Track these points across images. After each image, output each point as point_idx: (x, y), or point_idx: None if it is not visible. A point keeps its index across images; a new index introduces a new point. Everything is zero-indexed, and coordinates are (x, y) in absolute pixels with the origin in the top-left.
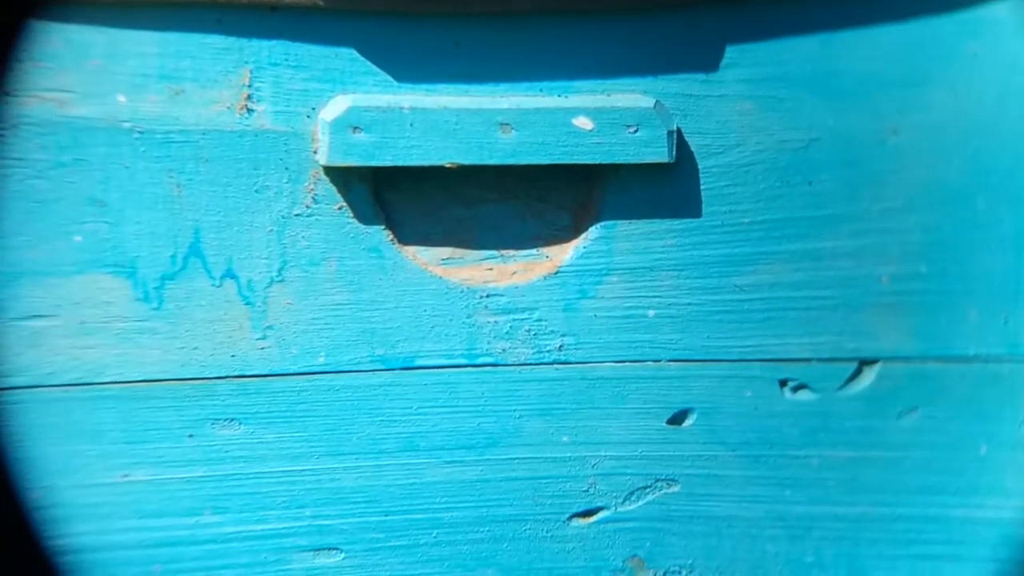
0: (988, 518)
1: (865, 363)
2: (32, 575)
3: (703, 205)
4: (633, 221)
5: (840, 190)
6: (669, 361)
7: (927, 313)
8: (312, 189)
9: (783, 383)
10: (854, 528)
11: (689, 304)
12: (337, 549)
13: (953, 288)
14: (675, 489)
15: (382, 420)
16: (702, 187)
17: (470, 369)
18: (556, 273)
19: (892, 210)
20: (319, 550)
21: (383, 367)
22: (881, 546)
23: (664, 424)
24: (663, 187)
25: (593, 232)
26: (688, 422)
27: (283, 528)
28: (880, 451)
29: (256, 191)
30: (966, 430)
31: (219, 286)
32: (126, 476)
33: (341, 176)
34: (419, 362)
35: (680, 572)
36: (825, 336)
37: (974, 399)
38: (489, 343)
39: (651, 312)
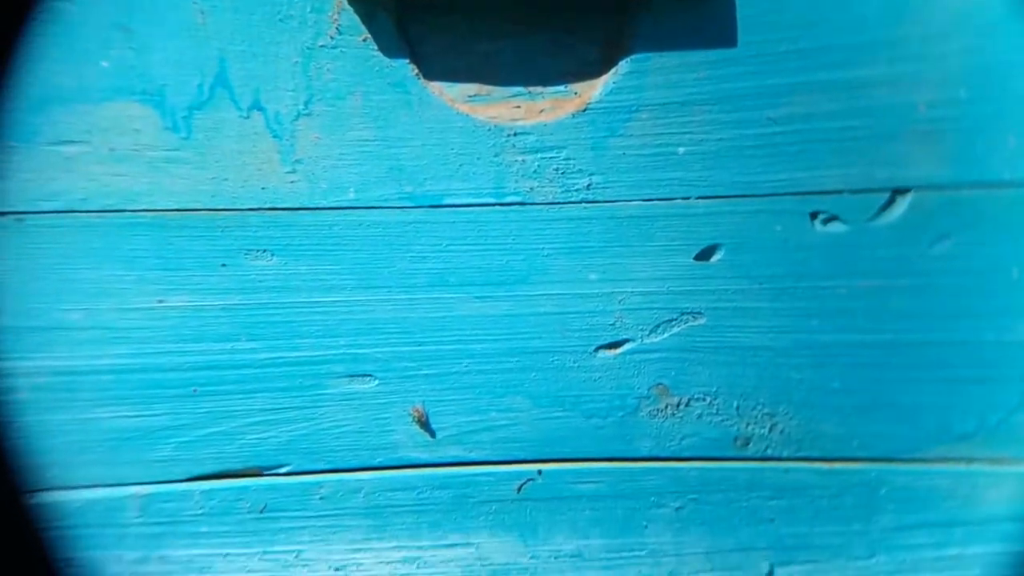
0: (1019, 340)
1: (898, 192)
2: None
3: (738, 34)
4: (665, 54)
5: (879, 14)
6: (698, 198)
7: (963, 139)
8: (336, 19)
9: (814, 215)
10: (882, 355)
11: (720, 139)
12: (371, 376)
13: (990, 113)
14: (700, 321)
15: (412, 256)
16: (738, 15)
17: (498, 207)
18: (585, 110)
19: (932, 34)
20: (354, 376)
21: (412, 204)
22: (908, 371)
23: (691, 260)
24: (697, 16)
25: (623, 67)
26: (716, 257)
27: (318, 355)
28: (910, 279)
29: (280, 20)
30: (998, 254)
31: (247, 117)
32: (162, 302)
33: (364, 5)
34: (447, 200)
35: (704, 399)
36: (858, 167)
37: (1008, 224)
38: (517, 182)
39: (681, 149)
